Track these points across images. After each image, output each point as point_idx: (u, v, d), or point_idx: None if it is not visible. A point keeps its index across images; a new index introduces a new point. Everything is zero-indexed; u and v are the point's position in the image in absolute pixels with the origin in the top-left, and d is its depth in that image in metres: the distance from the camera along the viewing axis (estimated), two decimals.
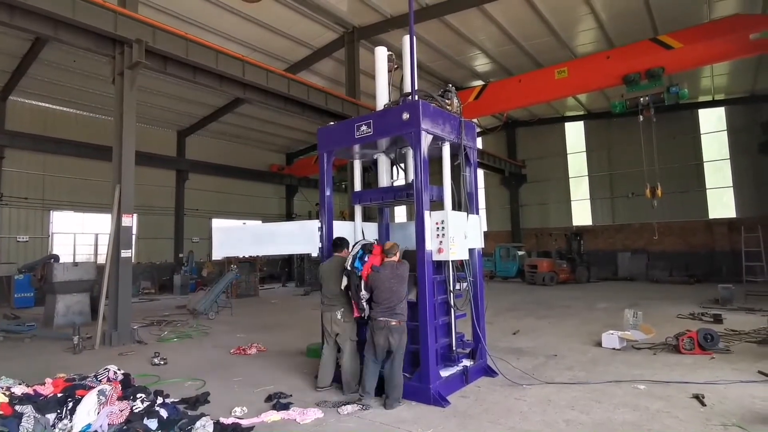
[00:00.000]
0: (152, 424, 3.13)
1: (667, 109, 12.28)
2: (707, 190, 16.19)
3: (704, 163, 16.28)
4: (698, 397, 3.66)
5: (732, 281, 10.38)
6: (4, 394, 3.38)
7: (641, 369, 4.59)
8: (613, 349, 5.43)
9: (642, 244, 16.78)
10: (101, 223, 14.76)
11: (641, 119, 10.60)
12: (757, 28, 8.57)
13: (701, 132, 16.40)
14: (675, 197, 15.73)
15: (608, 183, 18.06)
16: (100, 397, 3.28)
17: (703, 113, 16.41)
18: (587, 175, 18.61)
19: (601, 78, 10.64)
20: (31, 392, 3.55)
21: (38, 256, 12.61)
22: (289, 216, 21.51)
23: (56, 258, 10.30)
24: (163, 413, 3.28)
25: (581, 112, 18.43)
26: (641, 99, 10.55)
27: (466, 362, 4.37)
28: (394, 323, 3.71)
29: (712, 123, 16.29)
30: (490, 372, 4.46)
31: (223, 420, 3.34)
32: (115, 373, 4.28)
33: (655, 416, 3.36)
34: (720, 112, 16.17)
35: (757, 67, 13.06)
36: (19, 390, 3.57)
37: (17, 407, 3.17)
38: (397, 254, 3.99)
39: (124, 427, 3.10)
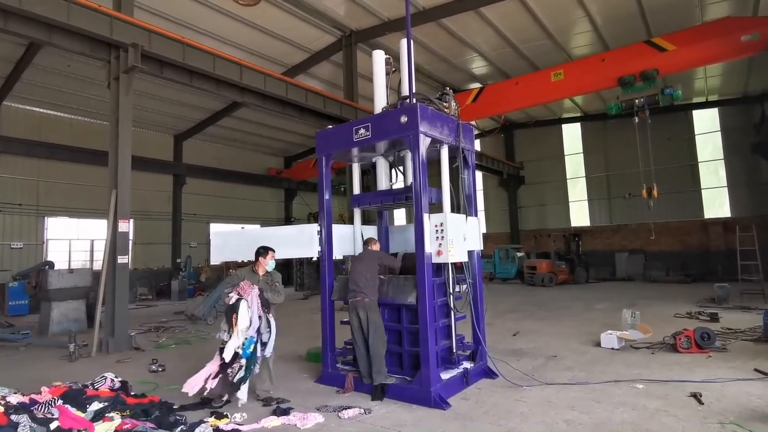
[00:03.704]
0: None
1: (661, 111, 12.42)
2: (702, 191, 16.34)
3: (699, 164, 16.44)
4: (696, 396, 3.69)
5: (727, 280, 10.45)
6: (0, 403, 3.34)
7: (640, 368, 4.61)
8: (612, 349, 5.45)
9: (639, 245, 16.88)
10: (97, 229, 14.64)
11: (637, 121, 10.68)
12: (748, 31, 8.70)
13: (695, 133, 16.58)
14: (671, 198, 15.85)
15: (605, 184, 18.18)
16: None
17: (697, 114, 16.59)
18: (584, 177, 18.73)
19: (596, 80, 10.73)
20: (27, 401, 3.50)
21: (33, 263, 12.51)
22: (287, 220, 21.46)
23: (51, 265, 10.21)
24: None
25: (578, 114, 18.57)
26: (636, 101, 10.64)
27: (467, 364, 4.38)
28: (359, 299, 4.07)
29: (706, 124, 16.47)
30: (490, 374, 4.46)
31: (222, 426, 3.32)
32: (113, 380, 4.25)
33: (653, 415, 3.38)
34: (713, 113, 16.35)
35: (748, 68, 13.24)
36: (14, 399, 3.53)
37: (13, 417, 3.13)
38: (376, 245, 4.53)
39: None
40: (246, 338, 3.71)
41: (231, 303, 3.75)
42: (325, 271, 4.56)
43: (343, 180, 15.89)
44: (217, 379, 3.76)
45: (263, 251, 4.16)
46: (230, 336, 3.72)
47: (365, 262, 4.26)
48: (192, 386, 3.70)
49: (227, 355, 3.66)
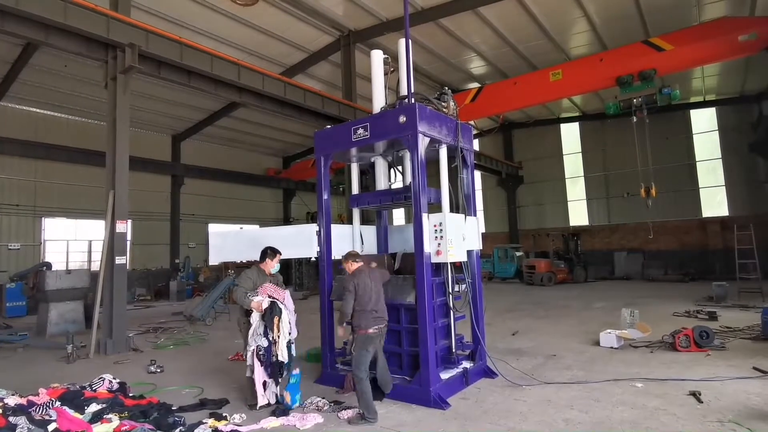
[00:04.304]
0: None
1: (659, 110, 12.46)
2: (700, 190, 16.40)
3: (697, 163, 16.50)
4: (695, 394, 3.70)
5: (726, 279, 10.49)
6: None
7: (639, 367, 4.62)
8: (611, 348, 5.46)
9: (637, 244, 16.93)
10: (95, 230, 14.58)
11: (635, 120, 10.72)
12: (746, 30, 8.74)
13: (693, 132, 16.65)
14: (669, 197, 15.91)
15: (604, 183, 18.23)
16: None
17: (694, 114, 16.65)
18: (583, 176, 18.77)
19: (594, 80, 10.75)
20: (25, 403, 3.49)
21: (30, 263, 12.44)
22: (286, 220, 21.44)
23: (49, 265, 10.16)
24: None
25: (576, 114, 18.61)
26: (634, 100, 10.68)
27: (466, 364, 4.38)
28: (384, 327, 3.76)
29: (704, 123, 16.53)
30: (489, 373, 4.46)
31: (221, 427, 3.31)
32: (111, 382, 4.23)
33: (653, 414, 3.38)
34: (711, 112, 16.42)
35: (745, 68, 13.29)
36: (12, 401, 3.52)
37: (11, 418, 3.12)
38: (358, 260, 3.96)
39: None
40: (288, 340, 3.73)
41: (266, 307, 3.67)
42: (324, 271, 4.55)
43: (342, 180, 15.88)
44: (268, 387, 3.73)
45: (271, 252, 4.06)
46: (268, 341, 3.66)
47: (379, 284, 3.81)
48: (260, 401, 3.69)
49: (283, 356, 3.65)
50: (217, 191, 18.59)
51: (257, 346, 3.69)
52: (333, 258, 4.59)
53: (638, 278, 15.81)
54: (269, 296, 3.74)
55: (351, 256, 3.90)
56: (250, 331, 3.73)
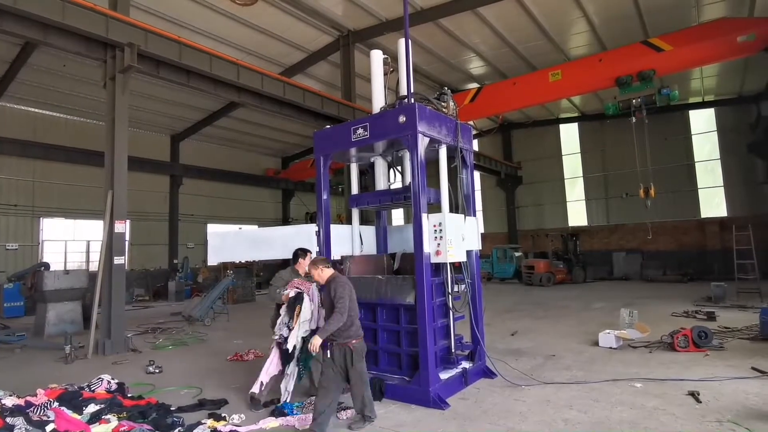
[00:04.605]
0: None
1: (658, 111, 12.50)
2: (699, 190, 16.45)
3: (695, 164, 16.55)
4: (694, 394, 3.70)
5: (724, 279, 10.51)
6: None
7: (638, 367, 4.63)
8: (610, 348, 5.47)
9: (636, 244, 16.97)
10: (93, 230, 14.56)
11: (634, 121, 10.76)
12: (744, 31, 8.77)
13: (692, 133, 16.69)
14: (668, 197, 15.95)
15: (603, 184, 18.26)
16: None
17: (693, 114, 16.70)
18: (582, 177, 18.81)
19: (594, 80, 10.78)
20: (23, 404, 3.48)
21: (28, 264, 12.42)
22: (285, 220, 21.43)
23: (47, 266, 10.13)
24: None
25: (575, 114, 18.65)
26: (633, 101, 10.73)
27: (465, 364, 4.37)
28: None
29: (703, 124, 16.58)
30: (489, 373, 4.46)
31: (220, 428, 3.30)
32: (109, 382, 4.23)
33: (651, 414, 3.39)
34: (710, 113, 16.47)
35: (744, 68, 13.34)
36: (10, 401, 3.51)
37: (8, 419, 3.11)
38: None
39: None
40: (307, 331, 3.75)
41: (292, 296, 3.79)
42: None
43: (341, 180, 15.87)
44: (271, 375, 3.79)
45: (302, 253, 4.16)
46: (289, 329, 3.77)
47: None
48: (256, 384, 3.75)
49: (290, 346, 3.70)
50: (215, 191, 18.57)
51: (280, 335, 3.82)
52: (332, 259, 4.58)
53: (637, 279, 15.84)
54: (296, 288, 3.87)
55: (322, 261, 3.52)
56: (278, 321, 3.89)
